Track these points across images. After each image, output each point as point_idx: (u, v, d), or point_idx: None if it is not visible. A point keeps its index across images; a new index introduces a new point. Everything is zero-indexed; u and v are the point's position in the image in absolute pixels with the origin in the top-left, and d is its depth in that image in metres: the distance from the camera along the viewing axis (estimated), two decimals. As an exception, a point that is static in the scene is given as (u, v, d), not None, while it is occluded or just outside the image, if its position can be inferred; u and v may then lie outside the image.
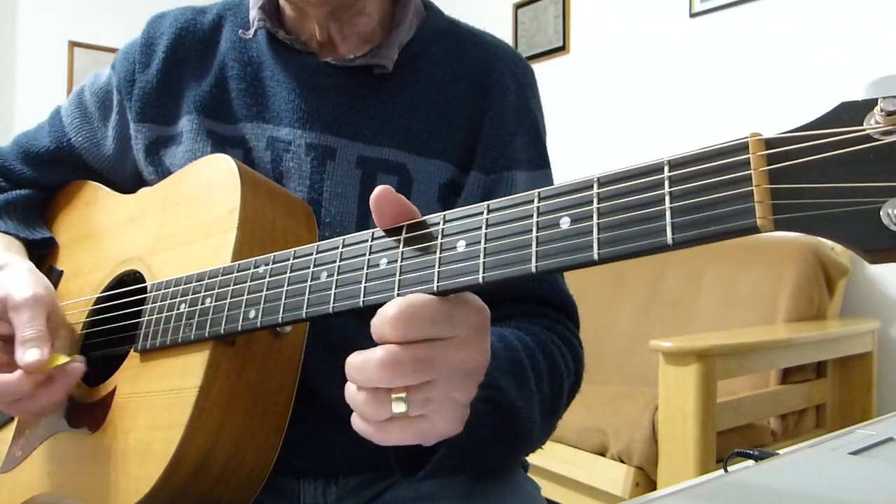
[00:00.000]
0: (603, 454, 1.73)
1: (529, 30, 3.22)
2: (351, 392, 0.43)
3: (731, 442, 1.60)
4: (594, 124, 2.89)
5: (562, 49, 3.07)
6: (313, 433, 0.65)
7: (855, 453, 0.57)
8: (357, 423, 0.44)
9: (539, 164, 0.73)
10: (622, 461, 1.68)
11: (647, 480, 1.64)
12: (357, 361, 0.42)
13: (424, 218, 0.44)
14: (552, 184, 0.72)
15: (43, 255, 0.80)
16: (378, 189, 0.44)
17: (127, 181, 0.79)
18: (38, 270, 0.68)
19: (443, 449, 0.50)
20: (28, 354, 0.57)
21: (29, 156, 0.81)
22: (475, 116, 0.71)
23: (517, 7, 3.27)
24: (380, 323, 0.41)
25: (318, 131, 0.69)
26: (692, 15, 2.58)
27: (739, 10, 2.44)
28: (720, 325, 2.08)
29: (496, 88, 0.72)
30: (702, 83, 2.54)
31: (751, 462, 0.57)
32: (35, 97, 3.50)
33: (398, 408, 0.41)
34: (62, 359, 0.60)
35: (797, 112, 2.26)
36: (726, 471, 0.54)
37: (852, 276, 2.10)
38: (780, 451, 0.58)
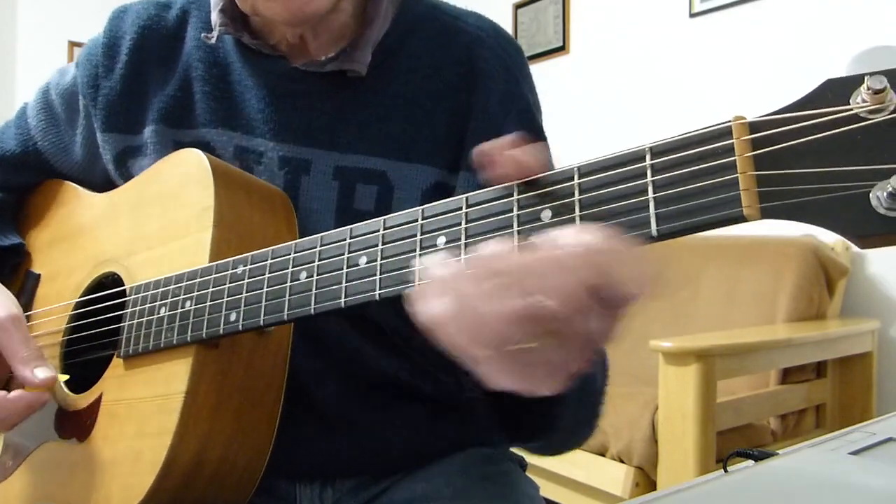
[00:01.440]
0: (603, 454, 1.73)
1: (529, 30, 3.22)
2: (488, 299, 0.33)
3: (731, 442, 1.60)
4: (594, 124, 2.89)
5: (562, 49, 3.07)
6: (308, 435, 0.64)
7: (855, 453, 0.57)
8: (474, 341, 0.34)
9: None
10: (622, 461, 1.68)
11: (647, 480, 1.64)
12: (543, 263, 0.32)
13: (401, 213, 0.43)
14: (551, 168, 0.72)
15: (17, 263, 0.78)
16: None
17: (98, 184, 0.77)
18: (1, 285, 0.66)
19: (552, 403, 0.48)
20: (39, 372, 0.58)
21: None
22: (460, 112, 0.66)
23: (517, 7, 3.27)
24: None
25: (291, 143, 0.66)
26: (692, 15, 2.58)
27: (739, 10, 2.44)
28: (720, 325, 2.08)
29: (481, 78, 0.67)
30: (702, 83, 2.54)
31: (751, 462, 0.57)
32: (35, 97, 3.49)
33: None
34: (62, 376, 0.61)
35: (797, 112, 2.26)
36: (726, 471, 0.54)
37: (852, 276, 2.10)
38: (780, 451, 0.58)
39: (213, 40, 0.67)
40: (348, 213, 0.65)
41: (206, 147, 0.67)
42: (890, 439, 0.60)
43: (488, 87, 0.67)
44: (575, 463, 1.78)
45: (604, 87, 2.89)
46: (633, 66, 2.78)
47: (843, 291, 2.07)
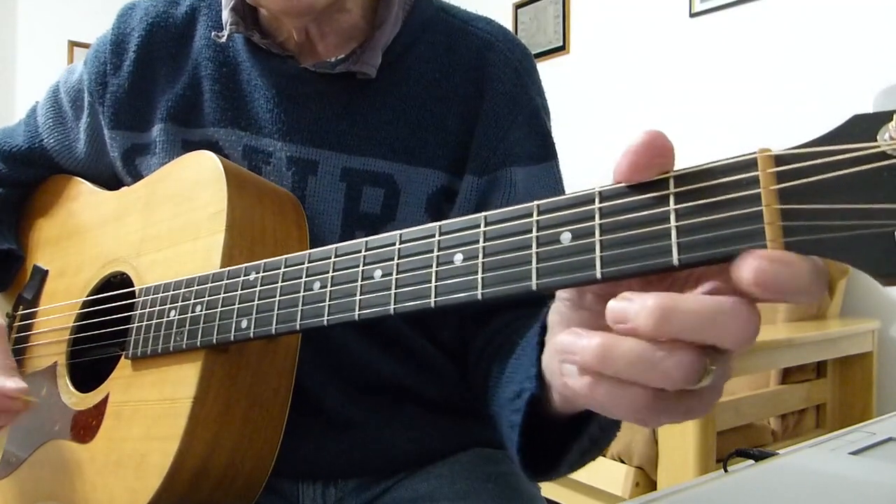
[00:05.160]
0: (603, 454, 1.73)
1: (529, 30, 3.22)
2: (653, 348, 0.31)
3: (731, 442, 1.60)
4: (594, 124, 2.89)
5: (562, 49, 3.07)
6: (312, 436, 0.65)
7: (855, 453, 0.57)
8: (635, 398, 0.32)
9: (541, 156, 0.69)
10: (622, 461, 1.68)
11: (647, 480, 1.64)
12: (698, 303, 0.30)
13: (417, 228, 0.43)
14: (558, 177, 0.70)
15: (13, 269, 0.79)
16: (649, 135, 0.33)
17: (103, 180, 0.77)
18: None
19: (591, 431, 0.44)
20: (13, 382, 0.58)
21: (4, 153, 0.80)
22: (467, 116, 0.66)
23: (517, 7, 3.27)
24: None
25: (299, 143, 0.65)
26: (692, 15, 2.58)
27: (739, 10, 2.44)
28: (720, 325, 2.07)
29: (489, 83, 0.67)
30: (702, 83, 2.54)
31: (751, 462, 0.57)
32: (35, 97, 3.48)
33: (706, 380, 0.31)
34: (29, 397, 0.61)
35: (798, 112, 2.26)
36: (726, 471, 0.54)
37: (852, 276, 2.10)
38: (780, 451, 0.58)
39: (224, 39, 0.67)
40: (354, 216, 0.65)
41: (214, 146, 0.67)
42: (890, 439, 0.60)
43: (496, 91, 0.67)
44: (575, 463, 1.78)
45: (604, 87, 2.89)
46: (633, 66, 2.78)
47: (843, 291, 2.07)
